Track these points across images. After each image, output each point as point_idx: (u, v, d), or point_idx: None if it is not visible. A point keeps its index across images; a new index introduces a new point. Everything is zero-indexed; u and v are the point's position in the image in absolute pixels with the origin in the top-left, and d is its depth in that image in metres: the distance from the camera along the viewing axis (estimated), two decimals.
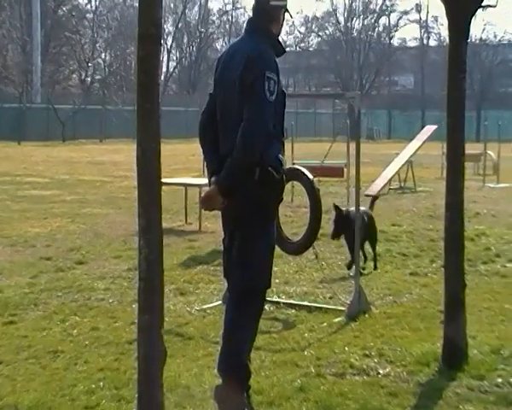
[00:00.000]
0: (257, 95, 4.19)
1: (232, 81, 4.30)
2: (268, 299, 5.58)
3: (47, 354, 5.29)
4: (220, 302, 6.59)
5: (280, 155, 4.36)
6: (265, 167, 4.27)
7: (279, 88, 4.27)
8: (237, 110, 4.24)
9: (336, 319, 6.24)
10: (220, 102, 4.46)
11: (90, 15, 62.96)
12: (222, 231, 4.62)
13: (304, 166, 7.50)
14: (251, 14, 4.59)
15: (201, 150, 4.64)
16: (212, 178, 4.38)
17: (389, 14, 74.72)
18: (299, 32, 78.44)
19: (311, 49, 77.74)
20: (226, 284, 6.78)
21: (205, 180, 13.21)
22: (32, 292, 7.10)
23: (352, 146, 10.78)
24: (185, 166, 21.32)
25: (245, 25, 4.67)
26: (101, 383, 4.67)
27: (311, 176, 6.95)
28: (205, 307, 6.63)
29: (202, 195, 4.46)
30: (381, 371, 4.98)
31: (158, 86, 3.50)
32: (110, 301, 6.86)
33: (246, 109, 4.19)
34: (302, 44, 77.45)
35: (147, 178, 3.52)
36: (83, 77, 58.60)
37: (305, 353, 5.35)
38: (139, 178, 3.52)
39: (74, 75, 60.06)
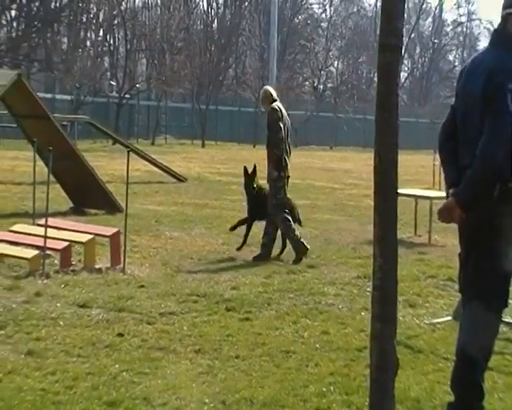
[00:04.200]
0: (498, 109, 4.10)
1: (473, 94, 4.24)
2: (503, 320, 5.41)
3: (280, 353, 5.50)
4: (450, 318, 6.48)
5: None
6: (506, 184, 4.16)
7: None
8: (477, 123, 4.17)
9: None
10: (461, 114, 4.41)
11: (324, 24, 64.10)
12: (458, 244, 4.55)
13: None
14: (496, 26, 4.50)
15: (440, 161, 4.61)
16: (451, 190, 4.35)
17: None
18: None
19: None
20: (457, 300, 6.71)
21: (435, 193, 13.09)
22: (266, 292, 7.40)
23: None
24: (414, 177, 21.12)
25: (490, 36, 4.58)
26: (332, 388, 4.77)
27: None
28: (434, 321, 6.55)
29: (440, 206, 4.43)
30: None
31: (397, 96, 3.53)
32: (340, 306, 6.98)
33: (486, 123, 4.12)
34: None
35: (384, 187, 3.56)
36: (315, 84, 59.75)
37: None
38: (376, 188, 3.56)
39: (307, 82, 61.41)
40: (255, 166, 9.85)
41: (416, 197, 12.09)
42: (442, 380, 4.78)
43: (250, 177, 9.84)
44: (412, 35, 66.28)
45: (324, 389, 4.75)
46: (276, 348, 5.60)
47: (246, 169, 9.86)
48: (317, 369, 5.17)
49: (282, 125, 9.49)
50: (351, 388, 4.76)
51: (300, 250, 9.34)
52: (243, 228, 9.81)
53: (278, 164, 9.48)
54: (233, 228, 10.00)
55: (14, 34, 44.45)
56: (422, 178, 20.96)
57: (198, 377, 4.92)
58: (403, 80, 67.37)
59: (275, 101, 9.69)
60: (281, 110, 9.58)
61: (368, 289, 7.07)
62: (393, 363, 3.63)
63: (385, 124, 3.49)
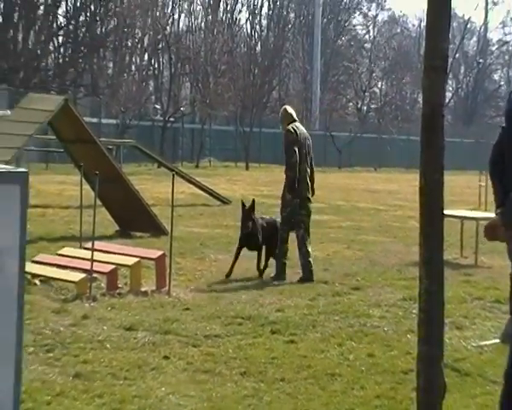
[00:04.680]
0: None
1: None
2: None
3: (325, 375, 5.48)
4: (498, 340, 6.40)
5: None
6: None
7: None
8: None
9: None
10: (507, 136, 4.37)
11: (367, 45, 64.06)
12: (508, 265, 4.50)
13: None
14: None
15: (490, 181, 4.58)
16: (499, 209, 4.33)
17: None
18: None
19: None
20: (505, 322, 6.62)
21: (482, 213, 12.96)
22: (311, 314, 7.38)
23: None
24: (460, 198, 20.91)
25: None
26: None
27: None
28: (482, 343, 6.47)
29: (486, 224, 4.41)
30: None
31: (442, 118, 3.52)
32: (385, 328, 6.94)
33: None
34: None
35: (430, 208, 3.54)
36: (359, 105, 59.67)
37: None
38: (421, 209, 3.55)
39: (351, 103, 61.35)
40: (253, 201, 9.76)
41: (462, 218, 11.98)
42: (490, 403, 4.72)
43: (247, 212, 9.71)
44: (457, 55, 65.82)
45: None
46: (321, 370, 5.58)
47: (243, 204, 9.81)
48: (362, 392, 5.14)
49: (296, 148, 9.41)
50: None
51: (279, 274, 9.37)
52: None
53: (291, 187, 9.46)
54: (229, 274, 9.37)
55: (61, 60, 45.25)
56: (468, 199, 20.74)
57: (243, 400, 4.92)
58: (447, 100, 67.02)
59: (293, 121, 9.68)
60: (297, 131, 9.54)
61: (414, 311, 7.01)
62: (440, 386, 3.60)
63: (430, 145, 3.48)
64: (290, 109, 9.96)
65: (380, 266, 10.38)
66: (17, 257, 3.08)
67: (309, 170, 9.65)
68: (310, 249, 9.52)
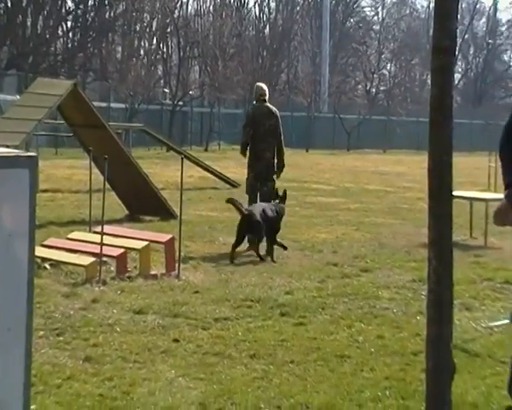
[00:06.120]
0: None
1: None
2: None
3: (334, 357, 5.49)
4: (508, 321, 6.39)
5: None
6: None
7: None
8: None
9: None
10: None
11: (376, 27, 63.77)
12: None
13: None
14: None
15: (500, 162, 4.56)
16: (506, 191, 4.30)
17: None
18: None
19: None
20: None
21: (491, 195, 12.91)
22: (320, 296, 7.39)
23: None
24: (469, 179, 20.84)
25: None
26: (388, 392, 4.75)
27: None
28: (491, 324, 6.48)
29: (494, 209, 4.39)
30: None
31: (451, 99, 3.50)
32: (394, 310, 6.94)
33: None
34: None
35: (438, 190, 3.53)
36: (368, 87, 59.45)
37: None
38: (430, 190, 3.54)
39: (360, 86, 61.13)
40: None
41: (471, 199, 11.95)
42: (500, 384, 4.72)
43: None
44: (466, 36, 65.43)
45: (380, 394, 4.73)
46: (330, 352, 5.60)
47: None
48: (372, 373, 5.15)
49: (249, 129, 10.32)
50: (407, 392, 4.73)
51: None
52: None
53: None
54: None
55: (69, 45, 45.22)
56: (477, 180, 20.69)
57: (253, 382, 4.94)
58: (456, 81, 66.70)
59: (258, 100, 10.43)
60: (254, 112, 10.44)
61: (423, 292, 7.01)
62: (450, 367, 3.60)
63: (439, 126, 3.46)
64: (257, 88, 10.68)
65: (389, 248, 10.38)
66: (27, 241, 3.10)
67: (275, 147, 10.34)
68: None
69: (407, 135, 47.08)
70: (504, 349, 5.45)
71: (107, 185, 9.58)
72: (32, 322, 3.15)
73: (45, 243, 8.74)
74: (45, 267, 8.13)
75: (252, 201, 10.33)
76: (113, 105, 39.59)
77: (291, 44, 55.67)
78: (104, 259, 8.10)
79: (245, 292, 7.46)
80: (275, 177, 10.46)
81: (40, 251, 8.05)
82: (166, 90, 45.05)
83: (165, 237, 8.73)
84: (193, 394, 4.72)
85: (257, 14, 57.19)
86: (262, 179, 10.34)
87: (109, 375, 4.98)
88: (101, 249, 7.99)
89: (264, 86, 10.87)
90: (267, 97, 10.57)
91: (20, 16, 41.22)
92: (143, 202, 12.49)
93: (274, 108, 10.56)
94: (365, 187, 20.15)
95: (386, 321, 6.54)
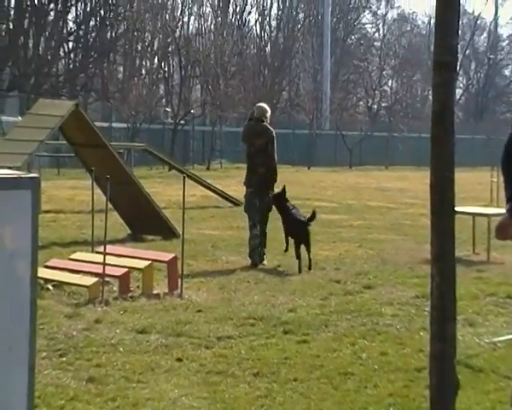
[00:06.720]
0: None
1: None
2: None
3: (338, 375, 5.48)
4: (511, 336, 6.38)
5: None
6: None
7: None
8: None
9: None
10: None
11: (377, 43, 63.92)
12: None
13: None
14: None
15: (503, 178, 4.57)
16: (508, 205, 4.31)
17: None
18: None
19: None
20: None
21: (493, 210, 12.90)
22: (323, 313, 7.38)
23: None
24: (471, 194, 20.84)
25: None
26: (391, 409, 4.75)
27: None
28: (495, 339, 6.46)
29: (496, 223, 4.39)
30: None
31: (452, 115, 3.51)
32: (398, 327, 6.93)
33: None
34: None
35: (441, 206, 3.53)
36: (369, 104, 59.54)
37: None
38: (432, 206, 3.54)
39: (361, 102, 61.24)
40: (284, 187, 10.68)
41: (474, 215, 11.94)
42: (503, 399, 4.71)
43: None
44: (467, 51, 65.57)
45: None
46: (334, 370, 5.59)
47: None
48: (375, 390, 5.14)
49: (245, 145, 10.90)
50: (410, 409, 4.72)
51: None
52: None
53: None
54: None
55: (71, 65, 45.40)
56: (480, 196, 20.68)
57: (256, 401, 4.93)
58: (458, 97, 66.81)
59: (255, 119, 10.71)
60: (243, 132, 10.99)
61: (426, 308, 7.00)
62: (454, 383, 3.59)
63: (441, 142, 3.47)
64: (254, 107, 11.15)
65: (391, 265, 10.37)
66: (29, 262, 3.10)
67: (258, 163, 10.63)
68: (258, 233, 10.30)
69: (409, 151, 47.11)
70: (508, 364, 5.45)
71: (110, 205, 9.59)
72: (35, 343, 3.15)
73: (48, 263, 8.74)
74: (48, 288, 8.12)
75: (251, 217, 10.40)
76: (114, 125, 39.70)
77: (292, 62, 55.85)
78: (107, 279, 8.10)
79: (248, 310, 7.46)
80: (270, 194, 10.57)
81: (43, 272, 8.05)
82: (168, 110, 45.14)
83: (167, 257, 8.73)
84: None
85: (258, 32, 57.42)
86: (258, 195, 10.47)
87: (112, 395, 4.97)
88: (104, 269, 7.99)
89: (263, 106, 10.91)
90: (265, 117, 10.65)
91: (22, 37, 41.42)
92: (146, 222, 12.49)
93: (266, 127, 10.62)
94: (367, 204, 20.14)
95: (389, 338, 6.53)
